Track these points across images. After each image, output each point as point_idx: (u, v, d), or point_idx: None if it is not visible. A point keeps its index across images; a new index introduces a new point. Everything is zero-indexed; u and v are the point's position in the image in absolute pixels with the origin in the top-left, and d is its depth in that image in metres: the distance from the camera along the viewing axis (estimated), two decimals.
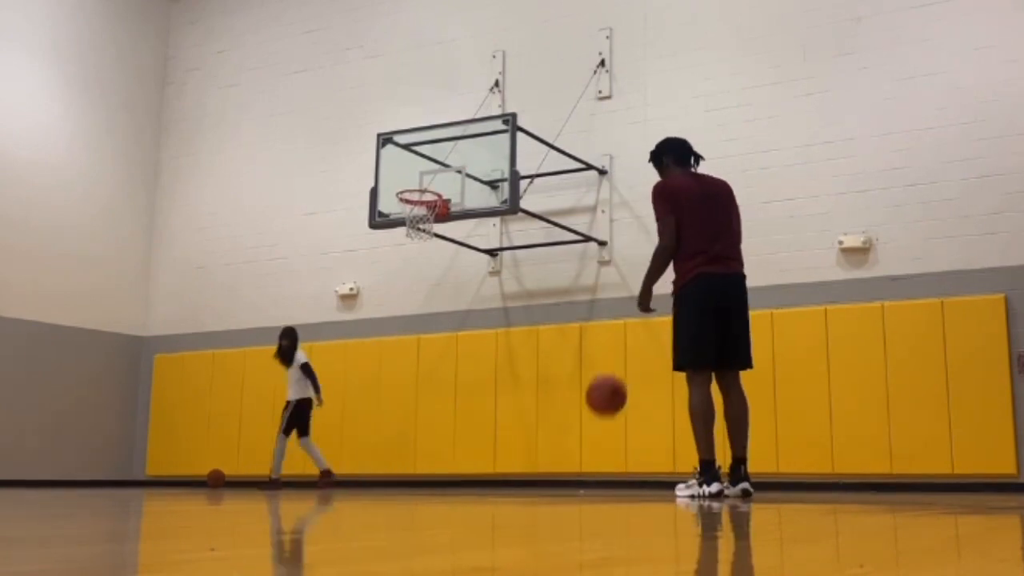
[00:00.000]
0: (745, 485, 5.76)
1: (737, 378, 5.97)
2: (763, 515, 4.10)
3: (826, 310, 8.40)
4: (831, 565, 2.06)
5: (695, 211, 5.92)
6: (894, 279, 8.31)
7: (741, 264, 6.03)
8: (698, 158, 6.25)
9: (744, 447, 5.86)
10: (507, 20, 10.50)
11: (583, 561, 2.18)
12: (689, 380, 5.88)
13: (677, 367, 5.96)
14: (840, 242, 8.53)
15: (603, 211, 9.57)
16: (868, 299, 8.32)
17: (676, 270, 5.97)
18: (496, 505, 5.26)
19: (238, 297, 11.58)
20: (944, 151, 8.29)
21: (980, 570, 1.96)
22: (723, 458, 6.03)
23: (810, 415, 8.25)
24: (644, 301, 6.08)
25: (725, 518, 3.92)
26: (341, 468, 10.38)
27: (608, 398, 5.91)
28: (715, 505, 4.91)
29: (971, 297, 7.95)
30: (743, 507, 4.68)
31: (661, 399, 8.74)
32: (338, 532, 3.17)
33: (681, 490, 5.92)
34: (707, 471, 5.78)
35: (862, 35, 8.76)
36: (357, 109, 11.18)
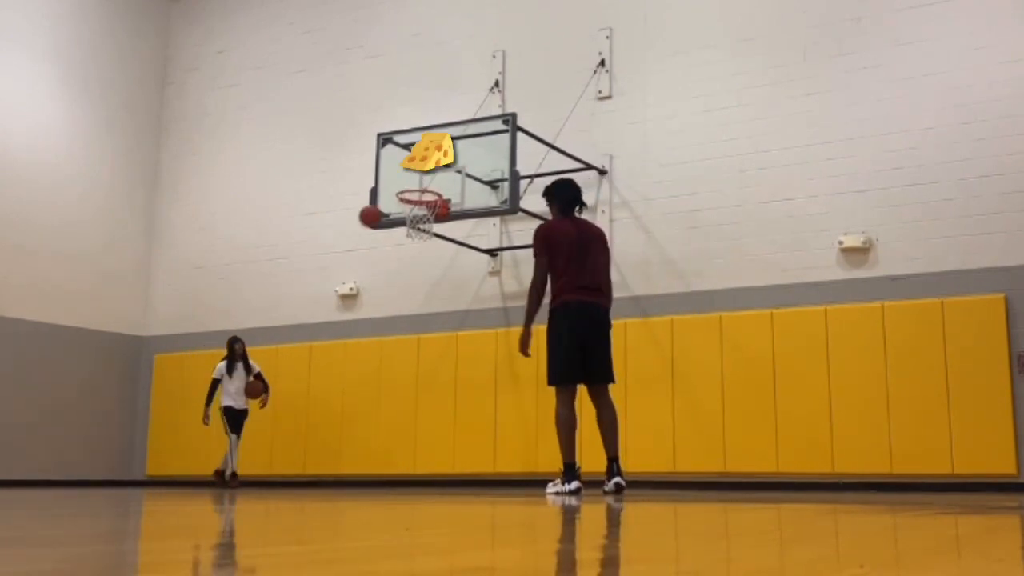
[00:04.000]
0: (618, 479, 6.54)
1: (604, 391, 6.73)
2: (763, 515, 4.10)
3: (826, 310, 8.40)
4: (831, 565, 2.06)
5: (566, 253, 6.68)
6: (894, 279, 8.31)
7: (604, 297, 6.79)
8: (583, 205, 7.02)
9: (615, 448, 6.66)
10: (507, 20, 10.49)
11: (583, 561, 2.18)
12: (556, 394, 6.64)
13: (550, 382, 6.72)
14: (840, 242, 8.53)
15: (603, 211, 9.57)
16: (868, 299, 8.32)
17: (549, 299, 6.74)
18: (496, 505, 5.26)
19: (238, 297, 11.58)
20: (944, 151, 8.29)
21: (980, 570, 1.96)
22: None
23: (810, 415, 8.25)
24: (524, 342, 6.91)
25: (720, 519, 3.92)
26: (341, 468, 10.38)
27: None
28: (575, 501, 5.46)
29: (971, 297, 7.95)
30: (617, 504, 5.14)
31: (660, 399, 8.75)
32: (338, 532, 3.16)
33: (550, 488, 6.63)
34: (569, 472, 6.54)
35: (862, 35, 8.76)
36: (357, 109, 11.18)
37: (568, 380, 6.61)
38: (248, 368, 10.53)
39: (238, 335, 10.67)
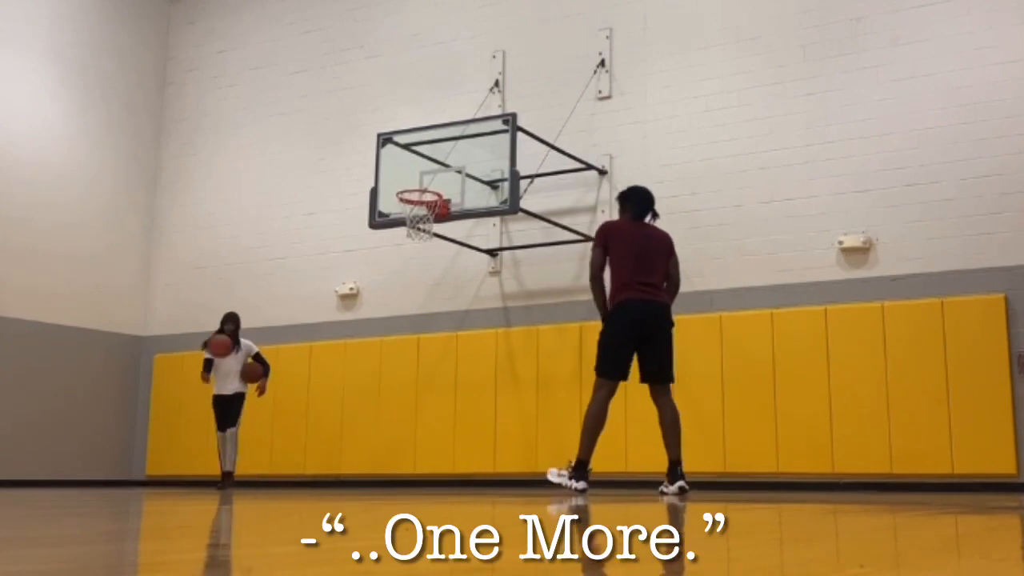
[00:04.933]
0: (681, 483, 6.43)
1: (666, 391, 6.67)
2: (763, 515, 4.10)
3: (826, 310, 8.39)
4: (831, 565, 2.06)
5: (624, 249, 6.71)
6: (894, 279, 8.30)
7: (665, 295, 6.76)
8: (655, 215, 6.97)
9: (678, 450, 6.54)
10: (507, 20, 10.49)
11: (582, 561, 2.18)
12: (595, 387, 6.58)
13: (595, 371, 6.67)
14: (840, 242, 8.53)
15: (603, 211, 9.56)
16: (868, 299, 8.31)
17: (609, 297, 6.73)
18: (496, 505, 5.26)
19: (238, 297, 11.56)
20: (944, 151, 8.28)
21: (980, 570, 1.96)
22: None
23: (810, 415, 8.25)
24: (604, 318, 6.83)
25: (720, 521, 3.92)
26: (341, 468, 10.37)
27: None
28: (581, 502, 5.43)
29: (971, 297, 7.95)
30: (680, 504, 5.17)
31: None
32: (338, 532, 3.16)
33: (553, 474, 6.64)
34: (579, 469, 6.48)
35: (862, 35, 8.76)
36: (357, 109, 11.18)
37: (611, 374, 6.55)
38: (237, 345, 9.59)
39: (236, 312, 9.73)
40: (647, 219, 6.94)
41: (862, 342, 8.19)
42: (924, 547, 2.44)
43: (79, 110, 11.82)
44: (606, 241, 6.75)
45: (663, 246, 6.84)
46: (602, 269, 6.73)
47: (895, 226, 8.38)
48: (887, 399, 8.02)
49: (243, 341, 9.62)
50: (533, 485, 9.23)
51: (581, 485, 6.40)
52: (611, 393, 6.57)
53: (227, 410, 9.51)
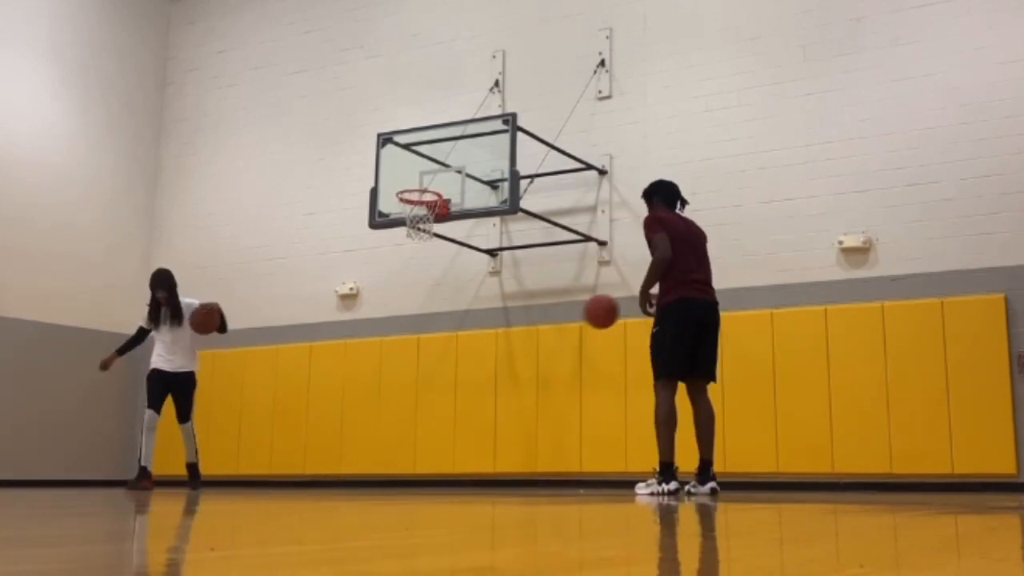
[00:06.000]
0: (712, 484, 6.48)
1: (704, 389, 6.71)
2: (763, 515, 4.10)
3: (826, 310, 8.40)
4: (831, 565, 2.07)
5: (681, 242, 6.68)
6: (894, 279, 8.31)
7: (714, 292, 6.83)
8: (684, 202, 7.05)
9: (711, 450, 6.60)
10: (507, 20, 10.49)
11: (583, 561, 2.18)
12: (659, 388, 6.60)
13: (657, 376, 6.67)
14: (840, 242, 8.53)
15: (603, 211, 9.57)
16: (868, 299, 8.31)
17: (660, 290, 6.69)
18: (496, 505, 5.26)
19: (238, 297, 11.56)
20: (944, 151, 8.29)
21: (980, 570, 1.96)
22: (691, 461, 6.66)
23: (810, 415, 8.25)
24: (644, 303, 6.84)
25: (720, 519, 3.92)
26: (341, 468, 10.38)
27: (605, 314, 7.00)
28: (673, 502, 5.35)
29: (971, 297, 7.95)
30: (711, 503, 5.23)
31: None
32: (338, 532, 3.16)
33: (641, 488, 6.55)
34: (666, 471, 6.47)
35: (862, 35, 8.76)
36: (357, 109, 11.18)
37: (675, 375, 6.58)
38: (179, 314, 8.28)
39: (166, 269, 8.52)
40: (679, 208, 6.98)
41: (862, 342, 8.19)
42: (924, 547, 2.44)
43: (79, 110, 11.82)
44: (663, 227, 6.64)
45: (706, 237, 6.92)
46: (671, 253, 6.57)
47: (895, 226, 8.38)
48: (887, 399, 8.02)
49: (184, 300, 8.43)
50: (533, 485, 9.24)
51: (672, 486, 6.41)
52: (675, 391, 6.60)
53: (176, 394, 8.27)
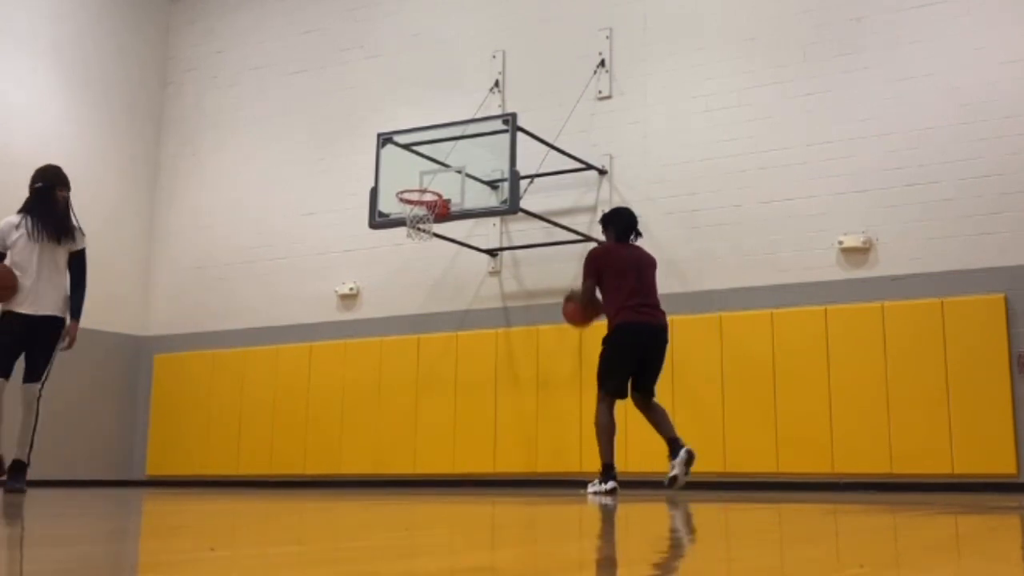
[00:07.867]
0: (684, 449, 6.72)
1: (648, 400, 7.07)
2: (763, 515, 4.10)
3: (826, 310, 8.39)
4: (831, 565, 2.07)
5: (624, 272, 7.04)
6: (894, 279, 8.31)
7: (663, 315, 7.16)
8: (638, 234, 7.35)
9: (671, 429, 6.91)
10: (507, 20, 10.49)
11: (583, 561, 2.18)
12: (600, 399, 6.95)
13: (599, 387, 7.01)
14: (840, 242, 8.53)
15: (603, 211, 9.56)
16: (868, 299, 8.31)
17: (608, 313, 7.06)
18: (496, 505, 5.26)
19: (238, 297, 11.57)
20: (944, 151, 8.29)
21: (980, 570, 1.96)
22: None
23: (810, 415, 8.25)
24: (586, 307, 7.23)
25: (720, 519, 3.92)
26: (341, 468, 10.37)
27: (582, 311, 7.22)
28: (610, 501, 5.65)
29: (971, 297, 7.95)
30: (684, 477, 5.96)
31: (660, 399, 8.73)
32: (338, 532, 3.16)
33: (589, 488, 6.88)
34: (607, 472, 6.83)
35: (862, 35, 8.76)
36: (357, 109, 11.18)
37: (619, 394, 6.96)
38: (68, 231, 6.27)
39: (55, 165, 6.35)
40: (631, 239, 7.30)
41: (862, 342, 8.19)
42: (924, 547, 2.44)
43: (79, 110, 11.81)
44: (599, 269, 7.06)
45: (653, 264, 7.23)
46: (591, 300, 7.09)
47: (895, 226, 8.39)
48: (887, 399, 8.02)
49: (74, 231, 6.27)
50: (533, 485, 9.24)
51: (610, 485, 6.73)
52: (614, 404, 6.98)
53: (33, 345, 6.09)
